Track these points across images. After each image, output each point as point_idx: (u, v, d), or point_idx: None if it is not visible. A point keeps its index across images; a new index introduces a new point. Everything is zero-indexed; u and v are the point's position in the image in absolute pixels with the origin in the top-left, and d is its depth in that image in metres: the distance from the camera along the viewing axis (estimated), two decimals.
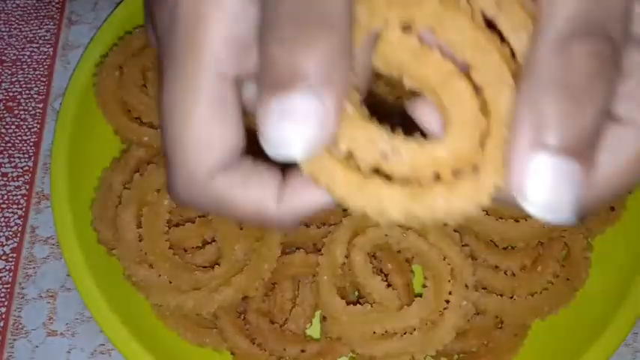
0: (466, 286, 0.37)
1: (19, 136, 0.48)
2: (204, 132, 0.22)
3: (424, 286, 0.38)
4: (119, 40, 0.44)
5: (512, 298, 0.39)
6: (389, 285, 0.38)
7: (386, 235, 0.38)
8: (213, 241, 0.40)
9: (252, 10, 0.22)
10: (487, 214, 0.39)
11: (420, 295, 0.38)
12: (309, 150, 0.20)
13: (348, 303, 0.37)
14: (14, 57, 0.50)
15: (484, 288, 0.40)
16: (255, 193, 0.23)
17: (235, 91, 0.23)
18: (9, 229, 0.45)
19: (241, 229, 0.38)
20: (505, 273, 0.40)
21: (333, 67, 0.20)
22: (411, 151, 0.21)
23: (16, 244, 0.44)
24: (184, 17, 0.22)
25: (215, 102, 0.22)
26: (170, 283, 0.37)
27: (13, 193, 0.46)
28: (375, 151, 0.21)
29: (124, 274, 0.38)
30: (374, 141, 0.21)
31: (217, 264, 0.38)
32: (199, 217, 0.40)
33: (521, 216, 0.39)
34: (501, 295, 0.40)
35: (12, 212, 0.45)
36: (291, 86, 0.19)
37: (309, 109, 0.20)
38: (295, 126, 0.20)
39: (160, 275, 0.37)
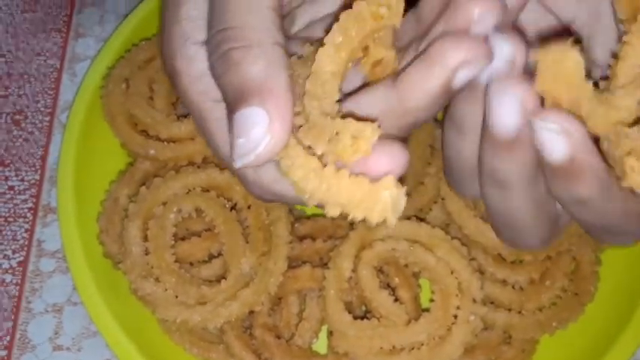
0: (474, 300, 0.37)
1: (26, 149, 0.48)
2: None
3: (431, 300, 0.38)
4: (126, 52, 0.44)
5: (520, 312, 0.39)
6: (396, 299, 0.38)
7: (393, 249, 0.37)
8: (220, 254, 0.40)
9: None
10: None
11: (428, 310, 0.37)
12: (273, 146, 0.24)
13: (355, 317, 0.37)
14: (22, 70, 0.50)
15: (492, 302, 0.39)
16: None
17: None
18: (15, 242, 0.45)
19: (247, 242, 0.38)
20: (513, 287, 0.40)
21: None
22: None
23: (22, 258, 0.44)
24: None
25: None
26: (176, 297, 0.37)
27: (20, 206, 0.46)
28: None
29: (130, 288, 0.38)
30: None
31: (224, 278, 0.38)
32: (205, 230, 0.40)
33: None
34: (509, 310, 0.39)
35: (18, 226, 0.45)
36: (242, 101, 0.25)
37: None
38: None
39: (166, 289, 0.37)
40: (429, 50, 0.24)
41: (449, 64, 0.23)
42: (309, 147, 0.24)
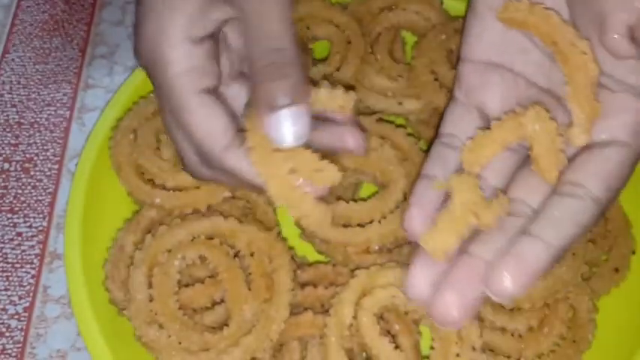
0: (473, 348, 0.37)
1: (35, 196, 0.49)
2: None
3: (432, 347, 0.38)
4: (134, 104, 0.45)
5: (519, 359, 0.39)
6: (397, 346, 0.38)
7: (393, 297, 0.38)
8: (223, 301, 0.40)
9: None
10: None
11: (428, 357, 0.38)
12: (296, 140, 0.33)
13: None
14: (32, 120, 0.52)
15: (491, 350, 0.40)
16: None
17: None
18: (22, 288, 0.45)
19: (250, 289, 0.39)
20: (512, 335, 0.40)
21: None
22: None
23: (28, 304, 0.45)
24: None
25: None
26: (179, 343, 0.37)
27: (27, 252, 0.47)
28: None
29: (134, 334, 0.39)
30: None
31: (226, 324, 0.39)
32: (209, 277, 0.41)
33: None
34: (508, 357, 0.40)
35: (25, 272, 0.46)
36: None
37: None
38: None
39: (169, 336, 0.38)
40: None
41: None
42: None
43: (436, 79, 0.47)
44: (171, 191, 0.42)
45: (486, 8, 0.37)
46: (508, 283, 0.30)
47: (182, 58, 0.34)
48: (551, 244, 0.31)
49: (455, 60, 0.48)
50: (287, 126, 0.32)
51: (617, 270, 0.43)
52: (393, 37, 0.51)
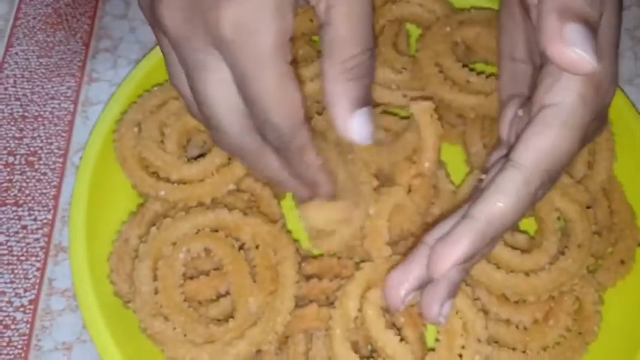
0: (479, 340, 0.37)
1: (39, 189, 0.49)
2: None
3: (437, 340, 0.38)
4: (137, 98, 0.45)
5: (524, 352, 0.39)
6: (402, 339, 0.38)
7: None
8: (228, 293, 0.40)
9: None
10: (498, 267, 0.40)
11: (433, 350, 0.38)
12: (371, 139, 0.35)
13: (361, 357, 0.37)
14: (36, 113, 0.52)
15: (496, 342, 0.40)
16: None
17: None
18: (27, 281, 0.45)
19: (255, 281, 0.39)
20: (517, 327, 0.40)
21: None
22: None
23: (33, 296, 0.45)
24: None
25: None
26: (185, 335, 0.37)
27: (32, 245, 0.47)
28: None
29: (139, 326, 0.39)
30: None
31: (232, 317, 0.39)
32: (214, 269, 0.41)
33: (531, 270, 0.40)
34: (514, 349, 0.40)
35: (30, 264, 0.46)
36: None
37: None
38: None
39: (175, 328, 0.38)
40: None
41: None
42: None
43: (440, 72, 0.46)
44: (175, 184, 0.42)
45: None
46: (435, 262, 0.32)
47: (280, 27, 0.33)
48: (476, 218, 0.32)
49: (458, 53, 0.48)
50: (369, 125, 0.34)
51: (622, 262, 0.43)
52: (397, 30, 0.51)
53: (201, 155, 0.43)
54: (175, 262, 0.39)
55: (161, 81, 0.46)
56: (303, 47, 0.49)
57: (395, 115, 0.46)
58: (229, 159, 0.42)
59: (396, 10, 0.51)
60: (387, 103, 0.47)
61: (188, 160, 0.43)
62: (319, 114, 0.45)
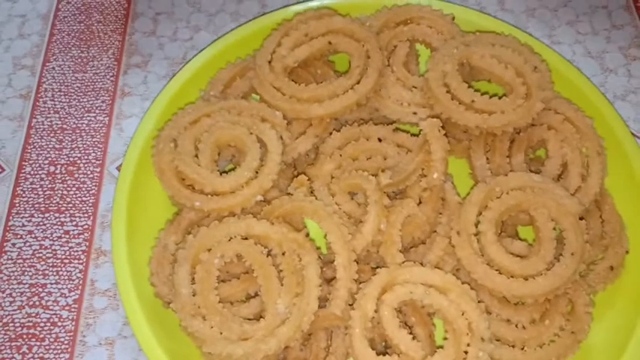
0: (482, 339, 0.41)
1: (79, 197, 0.53)
2: None
3: (445, 338, 0.43)
4: (173, 115, 0.49)
5: (522, 349, 0.44)
6: (414, 337, 0.42)
7: (411, 292, 0.42)
8: (257, 295, 0.45)
9: None
10: (500, 273, 0.44)
11: (442, 347, 0.42)
12: None
13: (377, 353, 0.42)
14: (74, 125, 0.56)
15: (497, 340, 0.44)
16: None
17: None
18: (71, 282, 0.50)
19: (282, 285, 0.44)
20: (516, 326, 0.45)
21: None
22: None
23: (77, 296, 0.49)
24: None
25: None
26: (221, 334, 0.42)
27: (75, 249, 0.51)
28: None
29: (179, 325, 0.43)
30: None
31: (261, 315, 0.43)
32: (243, 273, 0.45)
33: (530, 275, 0.44)
34: (513, 346, 0.44)
35: (74, 267, 0.50)
36: None
37: None
38: None
39: (211, 327, 0.42)
40: None
41: None
42: None
43: (448, 92, 0.50)
44: (209, 195, 0.46)
45: None
46: None
47: None
48: None
49: (464, 72, 0.52)
50: None
51: (612, 268, 0.47)
52: (408, 51, 0.55)
53: (230, 162, 0.48)
54: (211, 266, 0.44)
55: (191, 97, 0.50)
56: (322, 67, 0.53)
57: (407, 132, 0.50)
58: (256, 172, 0.46)
59: (407, 32, 0.55)
60: (398, 119, 0.51)
61: (220, 173, 0.47)
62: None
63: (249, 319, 0.44)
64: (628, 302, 0.46)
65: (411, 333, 0.43)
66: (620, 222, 0.49)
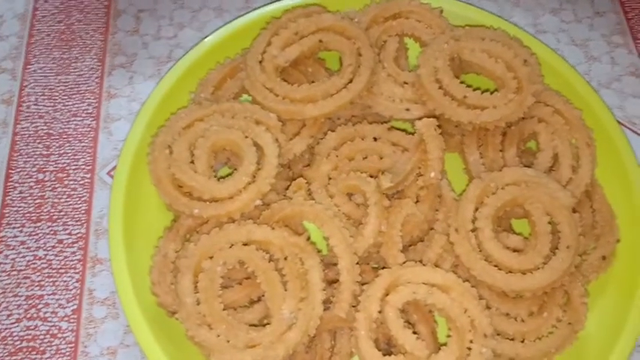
0: (485, 335, 0.42)
1: (71, 204, 0.52)
2: None
3: (448, 336, 0.43)
4: (165, 120, 0.49)
5: (522, 341, 0.45)
6: (417, 336, 0.43)
7: (414, 292, 0.43)
8: (259, 299, 0.45)
9: None
10: (498, 269, 0.45)
11: (445, 345, 0.43)
12: None
13: (382, 354, 0.42)
14: (60, 130, 0.55)
15: (498, 333, 0.45)
16: None
17: None
18: (68, 292, 0.49)
19: (286, 290, 0.44)
20: (515, 319, 0.46)
21: None
22: None
23: (76, 306, 0.49)
24: None
25: None
26: (228, 342, 0.42)
27: (70, 258, 0.50)
28: None
29: (186, 334, 0.43)
30: None
31: (265, 320, 0.44)
32: (245, 278, 0.45)
33: (527, 269, 0.45)
34: (513, 339, 0.45)
35: (70, 276, 0.50)
36: None
37: None
38: None
39: (218, 335, 0.42)
40: None
41: None
42: None
43: (440, 88, 0.51)
44: (208, 202, 0.46)
45: None
46: None
47: None
48: None
49: (454, 66, 0.52)
50: None
51: (604, 257, 0.48)
52: (397, 46, 0.55)
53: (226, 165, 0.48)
54: (214, 274, 0.43)
55: (180, 99, 0.50)
56: (313, 65, 0.53)
57: (403, 130, 0.51)
58: (254, 176, 0.46)
59: (396, 26, 0.55)
60: (391, 116, 0.51)
61: (217, 179, 0.47)
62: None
63: (254, 325, 0.44)
64: (619, 289, 0.48)
65: (414, 331, 0.44)
66: (611, 212, 0.50)
